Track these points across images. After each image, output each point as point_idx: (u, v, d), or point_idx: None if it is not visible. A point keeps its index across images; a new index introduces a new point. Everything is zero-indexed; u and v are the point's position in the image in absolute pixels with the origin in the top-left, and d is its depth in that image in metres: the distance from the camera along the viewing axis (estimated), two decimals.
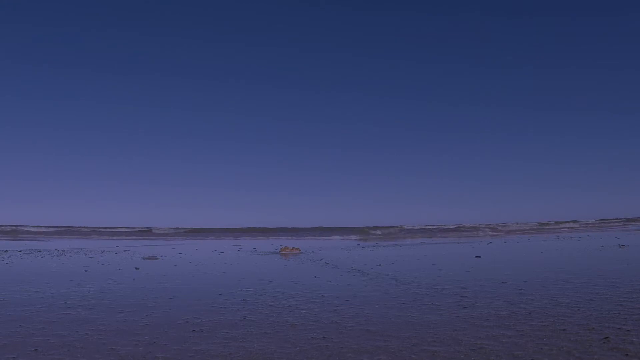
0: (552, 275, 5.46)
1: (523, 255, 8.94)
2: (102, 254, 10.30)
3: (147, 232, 29.95)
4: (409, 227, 31.23)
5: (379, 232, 27.67)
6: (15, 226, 30.28)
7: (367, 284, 5.19)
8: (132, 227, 31.50)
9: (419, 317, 3.40)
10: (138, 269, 7.05)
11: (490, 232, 24.59)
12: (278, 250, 11.06)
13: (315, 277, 5.87)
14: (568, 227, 27.54)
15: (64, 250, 11.65)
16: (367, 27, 32.61)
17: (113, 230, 30.33)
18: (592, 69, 31.70)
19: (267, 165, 34.34)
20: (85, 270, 6.79)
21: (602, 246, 10.55)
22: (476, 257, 8.51)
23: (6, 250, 11.37)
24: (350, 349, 2.63)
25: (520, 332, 2.88)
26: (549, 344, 2.62)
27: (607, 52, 31.28)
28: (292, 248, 11.04)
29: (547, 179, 34.02)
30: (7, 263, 8.02)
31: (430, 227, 31.10)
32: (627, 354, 2.39)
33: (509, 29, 31.94)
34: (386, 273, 6.12)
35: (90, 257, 9.34)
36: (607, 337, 2.69)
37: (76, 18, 29.78)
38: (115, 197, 32.72)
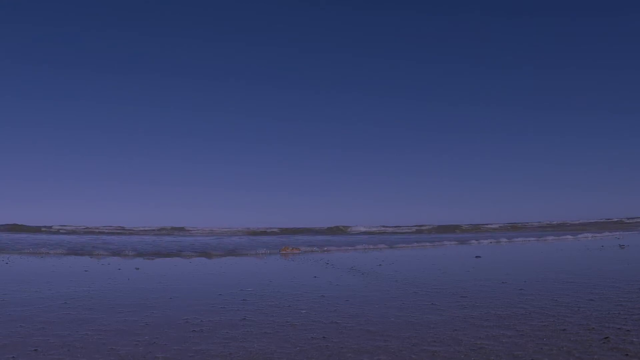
0: (552, 275, 5.46)
1: (523, 255, 8.94)
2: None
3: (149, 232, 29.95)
4: (411, 227, 31.26)
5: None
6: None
7: (367, 284, 5.19)
8: (135, 227, 31.55)
9: (419, 317, 3.40)
10: (138, 269, 7.06)
11: (490, 232, 24.60)
12: (278, 250, 11.06)
13: (315, 277, 5.87)
14: (568, 227, 27.59)
15: None
16: (367, 27, 32.60)
17: (113, 230, 30.34)
18: (592, 69, 31.68)
19: (267, 165, 34.32)
20: (85, 270, 6.79)
21: (602, 246, 10.56)
22: (476, 257, 8.51)
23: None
24: (350, 349, 2.63)
25: (520, 332, 2.88)
26: (549, 344, 2.62)
27: (607, 52, 31.26)
28: (292, 248, 11.04)
29: (547, 179, 34.02)
30: (7, 263, 8.02)
31: (429, 226, 31.13)
32: (627, 354, 2.39)
33: (509, 29, 31.91)
34: (386, 273, 6.12)
35: (90, 257, 9.34)
36: (607, 337, 2.69)
37: (76, 18, 29.76)
38: (115, 197, 32.72)
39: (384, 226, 30.76)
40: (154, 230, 29.94)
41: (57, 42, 29.17)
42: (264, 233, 26.73)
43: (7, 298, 4.34)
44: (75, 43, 29.36)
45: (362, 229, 29.27)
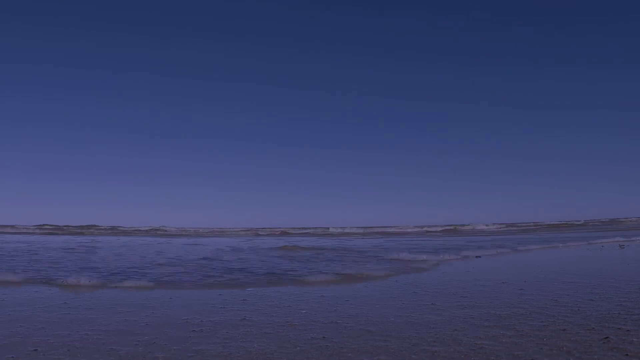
0: (552, 275, 5.46)
1: (523, 255, 8.94)
2: None
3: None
4: (409, 227, 31.28)
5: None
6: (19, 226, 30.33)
7: (367, 284, 5.19)
8: (138, 226, 31.57)
9: (419, 317, 3.40)
10: None
11: (490, 232, 24.59)
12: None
13: None
14: (564, 228, 27.59)
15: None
16: (367, 27, 32.66)
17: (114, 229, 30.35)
18: (592, 69, 31.73)
19: (267, 165, 34.38)
20: None
21: (602, 246, 10.57)
22: (476, 257, 8.51)
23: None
24: (350, 349, 2.63)
25: (520, 332, 2.88)
26: (549, 344, 2.62)
27: (607, 52, 31.31)
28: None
29: (547, 179, 34.07)
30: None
31: (429, 227, 31.14)
32: (627, 354, 2.39)
33: (509, 29, 31.99)
34: None
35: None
36: (607, 337, 2.69)
37: (76, 18, 29.81)
38: (115, 197, 32.76)
39: (419, 225, 30.84)
40: (142, 230, 29.94)
41: (57, 42, 29.22)
42: (298, 234, 26.56)
43: (7, 298, 4.34)
44: (75, 43, 29.43)
45: (347, 230, 29.37)
